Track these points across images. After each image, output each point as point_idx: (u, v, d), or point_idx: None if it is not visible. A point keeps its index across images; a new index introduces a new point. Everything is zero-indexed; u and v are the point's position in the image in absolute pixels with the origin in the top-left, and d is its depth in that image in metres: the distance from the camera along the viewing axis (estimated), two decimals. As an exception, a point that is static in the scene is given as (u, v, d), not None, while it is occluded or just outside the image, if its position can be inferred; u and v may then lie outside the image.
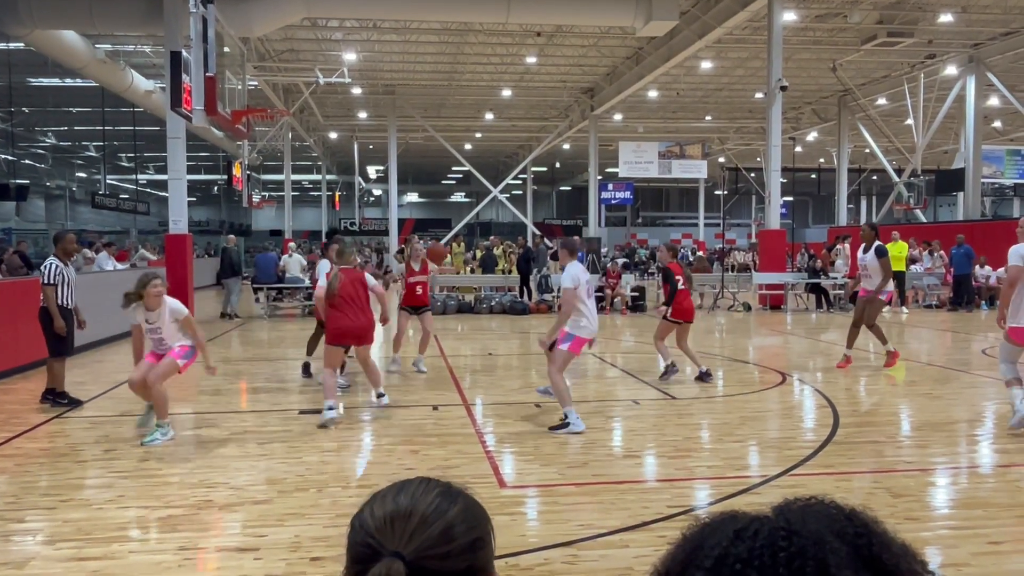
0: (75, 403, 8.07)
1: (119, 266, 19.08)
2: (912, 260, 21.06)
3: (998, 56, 23.03)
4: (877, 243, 10.04)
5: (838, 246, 21.27)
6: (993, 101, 26.83)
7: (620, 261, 25.96)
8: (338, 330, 7.32)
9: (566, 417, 6.82)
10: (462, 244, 26.96)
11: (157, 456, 6.09)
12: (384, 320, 8.34)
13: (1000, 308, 7.14)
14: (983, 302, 19.28)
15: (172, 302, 6.85)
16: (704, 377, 9.26)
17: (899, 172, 28.49)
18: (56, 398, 7.97)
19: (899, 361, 10.19)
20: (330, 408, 7.10)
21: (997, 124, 32.95)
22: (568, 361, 7.03)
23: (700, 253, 36.01)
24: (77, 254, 22.69)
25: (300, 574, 3.88)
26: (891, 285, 10.46)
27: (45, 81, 28.31)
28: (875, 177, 43.00)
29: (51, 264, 7.99)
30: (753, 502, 4.85)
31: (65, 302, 8.00)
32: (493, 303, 18.77)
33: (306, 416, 7.54)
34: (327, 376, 7.31)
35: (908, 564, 0.74)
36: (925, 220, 28.80)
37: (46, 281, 7.90)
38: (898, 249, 18.41)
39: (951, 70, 24.05)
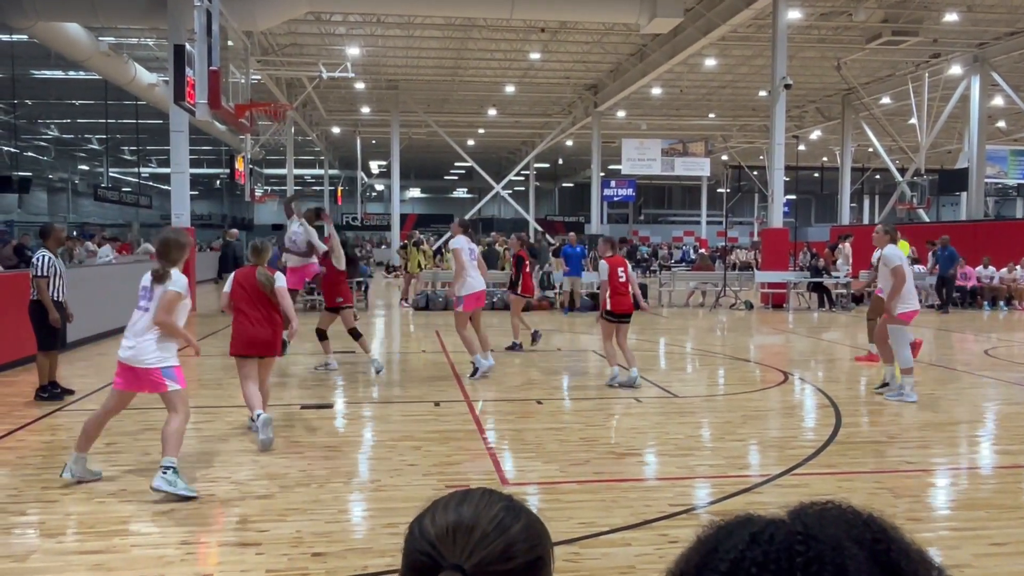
0: (67, 392, 8.07)
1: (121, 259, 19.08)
2: (914, 260, 21.02)
3: (1003, 56, 22.97)
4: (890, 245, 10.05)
5: (840, 245, 21.22)
6: (997, 101, 26.77)
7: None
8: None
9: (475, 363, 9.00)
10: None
11: (158, 450, 6.07)
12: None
13: (888, 301, 8.22)
14: (985, 303, 19.25)
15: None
16: (535, 337, 11.69)
17: (902, 171, 28.44)
18: (50, 389, 7.96)
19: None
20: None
21: (1001, 124, 32.89)
22: (466, 320, 9.28)
23: (702, 251, 35.97)
24: (79, 247, 22.72)
25: (301, 569, 3.88)
26: None
27: (48, 73, 28.30)
28: (878, 176, 42.94)
29: (43, 256, 7.92)
30: (755, 501, 4.85)
31: (57, 295, 7.97)
32: (495, 299, 18.76)
33: (308, 411, 7.54)
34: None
35: (926, 571, 0.74)
36: (928, 220, 28.75)
37: (38, 273, 7.84)
38: (900, 249, 18.36)
39: (956, 69, 24.00)
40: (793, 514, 0.78)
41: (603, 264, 8.91)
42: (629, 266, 9.33)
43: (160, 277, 5.14)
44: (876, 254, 9.99)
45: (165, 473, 4.83)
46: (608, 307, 8.84)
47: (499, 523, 0.92)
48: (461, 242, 9.35)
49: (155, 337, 5.09)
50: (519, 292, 12.26)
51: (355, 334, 9.38)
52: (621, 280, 8.88)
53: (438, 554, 0.90)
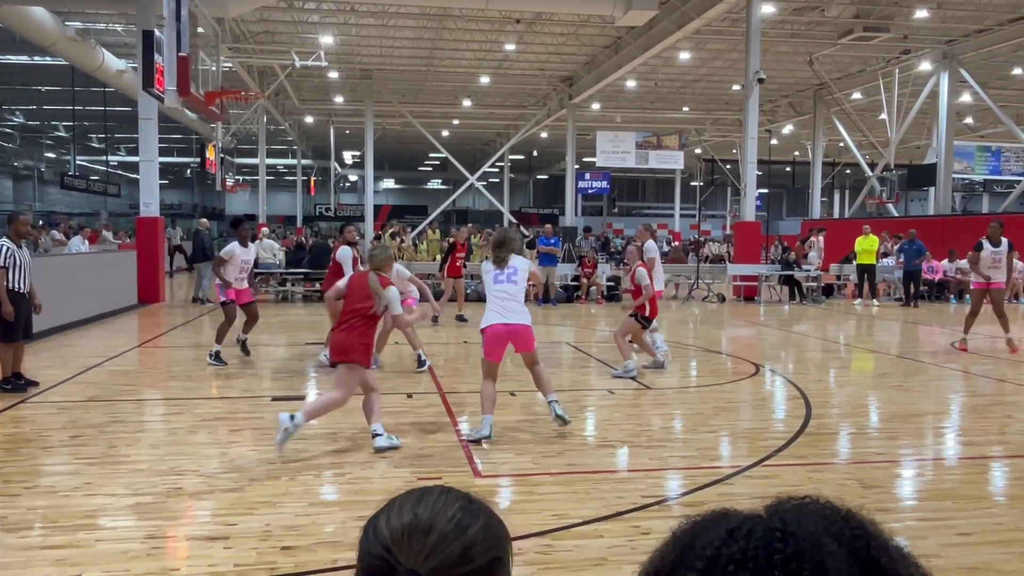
0: (31, 384, 7.90)
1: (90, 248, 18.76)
2: (884, 254, 21.29)
3: (971, 53, 23.29)
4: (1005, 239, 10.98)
5: (811, 239, 21.45)
6: (965, 97, 27.14)
7: (588, 242, 25.43)
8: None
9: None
10: (437, 231, 26.81)
11: (125, 442, 5.99)
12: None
13: (647, 294, 9.07)
14: (952, 296, 19.56)
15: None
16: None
17: (872, 166, 28.77)
18: (13, 380, 7.79)
19: (872, 355, 10.35)
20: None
21: (969, 120, 33.38)
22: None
23: (676, 243, 36.17)
24: (45, 236, 22.22)
25: (270, 563, 3.82)
26: (1001, 275, 11.25)
27: (13, 58, 27.67)
28: (848, 171, 43.39)
29: (2, 246, 7.69)
30: (727, 492, 4.87)
31: (17, 286, 7.74)
32: (468, 291, 18.70)
33: (278, 403, 7.45)
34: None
35: (906, 568, 0.72)
36: (897, 214, 29.14)
37: None
38: (868, 243, 18.60)
39: (925, 66, 24.30)
40: (771, 510, 0.75)
41: (642, 272, 9.21)
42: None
43: (502, 261, 6.40)
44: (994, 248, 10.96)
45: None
46: (647, 312, 9.19)
47: (457, 524, 0.89)
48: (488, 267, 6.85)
49: None
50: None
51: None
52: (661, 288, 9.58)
53: (393, 558, 0.86)
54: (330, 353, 6.23)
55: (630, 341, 9.28)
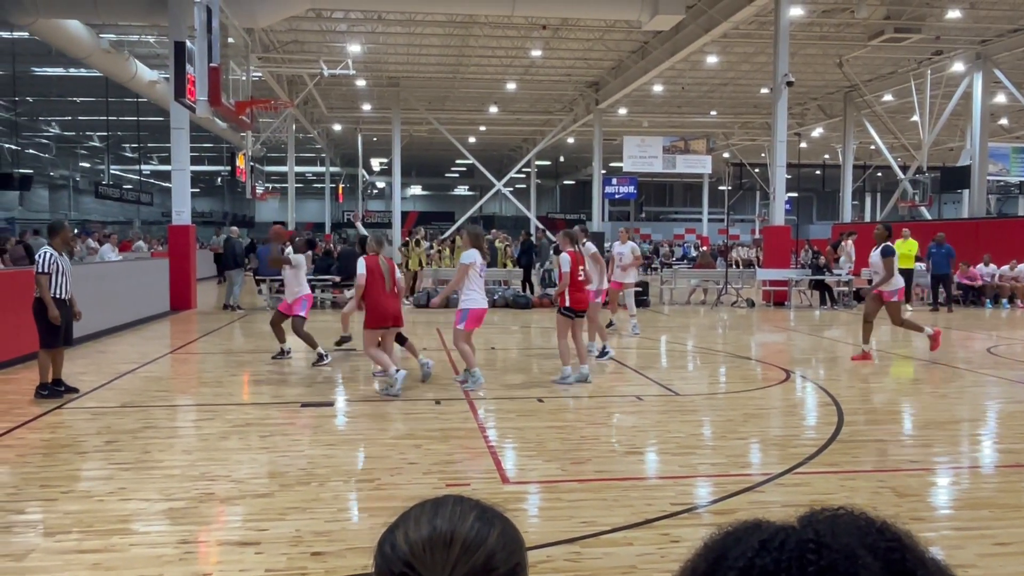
0: (71, 390, 8.06)
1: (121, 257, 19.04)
2: (918, 258, 20.97)
3: (1005, 53, 22.92)
4: (885, 243, 10.21)
5: (842, 243, 21.18)
6: (1000, 98, 26.69)
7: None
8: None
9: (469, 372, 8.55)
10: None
11: (158, 448, 6.08)
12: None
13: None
14: (987, 301, 19.21)
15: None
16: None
17: (904, 169, 28.39)
18: (53, 387, 7.95)
19: (906, 360, 10.21)
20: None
21: (1003, 121, 32.83)
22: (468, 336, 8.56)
23: (704, 248, 35.93)
24: (81, 244, 22.66)
25: (301, 569, 3.85)
26: (900, 283, 10.56)
27: (49, 70, 28.30)
28: (880, 174, 42.88)
29: (45, 253, 7.91)
30: (757, 500, 4.82)
31: (59, 292, 7.93)
32: (496, 297, 18.74)
33: (308, 408, 7.52)
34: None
35: (942, 581, 0.71)
36: (930, 217, 28.70)
37: (40, 270, 7.83)
38: (908, 247, 18.32)
39: (958, 67, 23.94)
40: (804, 521, 0.75)
41: (565, 256, 9.05)
42: (588, 263, 9.91)
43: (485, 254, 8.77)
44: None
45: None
46: (568, 303, 8.96)
47: (477, 533, 0.88)
48: (474, 256, 8.56)
49: None
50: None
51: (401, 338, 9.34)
52: (580, 278, 9.08)
53: (415, 573, 0.85)
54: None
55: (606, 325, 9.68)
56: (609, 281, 11.96)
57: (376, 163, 48.67)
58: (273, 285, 18.60)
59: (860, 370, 10.05)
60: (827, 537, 0.71)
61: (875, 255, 10.39)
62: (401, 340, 9.31)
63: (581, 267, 9.04)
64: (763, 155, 37.00)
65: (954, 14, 20.01)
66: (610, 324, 13.64)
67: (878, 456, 6.09)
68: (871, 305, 10.71)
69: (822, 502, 0.79)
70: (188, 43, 13.19)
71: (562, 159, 52.31)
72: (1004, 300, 19.14)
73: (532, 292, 19.53)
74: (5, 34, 21.34)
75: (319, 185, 52.56)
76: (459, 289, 8.52)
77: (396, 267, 8.66)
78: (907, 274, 18.35)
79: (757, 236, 37.75)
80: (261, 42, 22.54)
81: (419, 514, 0.91)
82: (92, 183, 42.32)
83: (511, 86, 29.28)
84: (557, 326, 9.04)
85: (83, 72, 26.64)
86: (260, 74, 23.90)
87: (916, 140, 26.76)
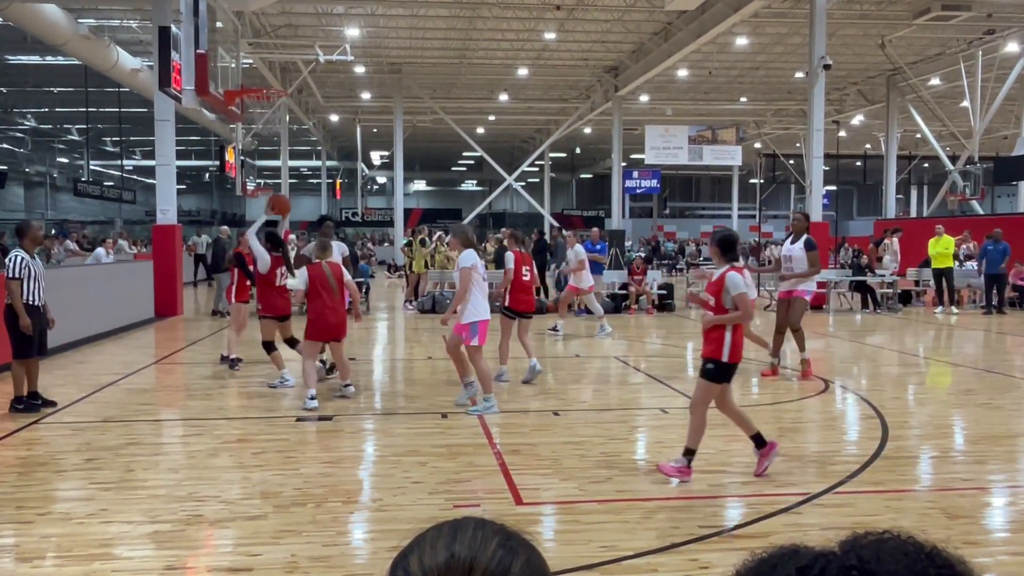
0: (48, 404, 8.10)
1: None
2: (967, 256, 20.83)
3: (1065, 31, 22.75)
4: (807, 236, 9.80)
5: (886, 240, 21.06)
6: (1059, 81, 26.49)
7: (640, 254, 25.76)
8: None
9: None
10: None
11: (142, 466, 6.11)
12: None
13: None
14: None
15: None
16: (232, 364, 10.42)
17: (954, 159, 28.20)
18: (28, 400, 7.98)
19: (956, 369, 10.11)
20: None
21: (1063, 107, 32.56)
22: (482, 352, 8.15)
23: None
24: (59, 246, 22.79)
25: (297, 597, 3.87)
26: (813, 284, 10.09)
27: (24, 58, 28.52)
28: (927, 165, 42.62)
29: (16, 256, 7.88)
30: (794, 523, 4.80)
31: (32, 298, 7.92)
32: (497, 303, 18.73)
33: (304, 424, 7.54)
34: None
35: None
36: (982, 212, 28.50)
37: (11, 275, 7.81)
38: (943, 245, 18.22)
39: (1012, 47, 23.77)
40: (846, 546, 0.74)
41: (510, 255, 9.46)
42: (534, 266, 10.41)
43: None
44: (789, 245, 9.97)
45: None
46: (507, 303, 9.51)
47: (499, 561, 0.86)
48: (473, 258, 8.08)
49: None
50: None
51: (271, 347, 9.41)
52: (526, 279, 9.54)
53: None
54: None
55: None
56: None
57: (376, 156, 48.80)
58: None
59: (906, 379, 9.99)
60: (872, 564, 0.71)
61: (796, 248, 9.75)
62: (292, 343, 9.48)
63: (526, 267, 9.52)
64: (798, 145, 36.85)
65: (1007, -11, 19.90)
66: (555, 328, 14.13)
67: (927, 474, 6.06)
68: (783, 310, 10.04)
69: (865, 525, 0.79)
70: (173, 28, 13.28)
71: (578, 151, 52.31)
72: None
73: (546, 296, 19.51)
74: (-23, 20, 21.54)
75: (315, 181, 52.79)
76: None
77: (344, 270, 8.80)
78: (945, 273, 18.27)
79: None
80: (252, 26, 22.66)
81: (436, 537, 0.89)
82: (71, 180, 42.64)
83: (523, 72, 29.30)
84: (501, 326, 9.52)
85: (60, 60, 26.84)
86: (251, 61, 24.02)
87: (966, 128, 26.57)
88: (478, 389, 8.11)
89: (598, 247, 18.19)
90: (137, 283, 16.09)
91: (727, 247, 5.92)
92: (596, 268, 17.96)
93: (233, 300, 10.63)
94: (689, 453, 5.67)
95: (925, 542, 0.75)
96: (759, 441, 5.78)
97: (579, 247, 14.55)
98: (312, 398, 8.01)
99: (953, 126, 28.19)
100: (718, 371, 5.67)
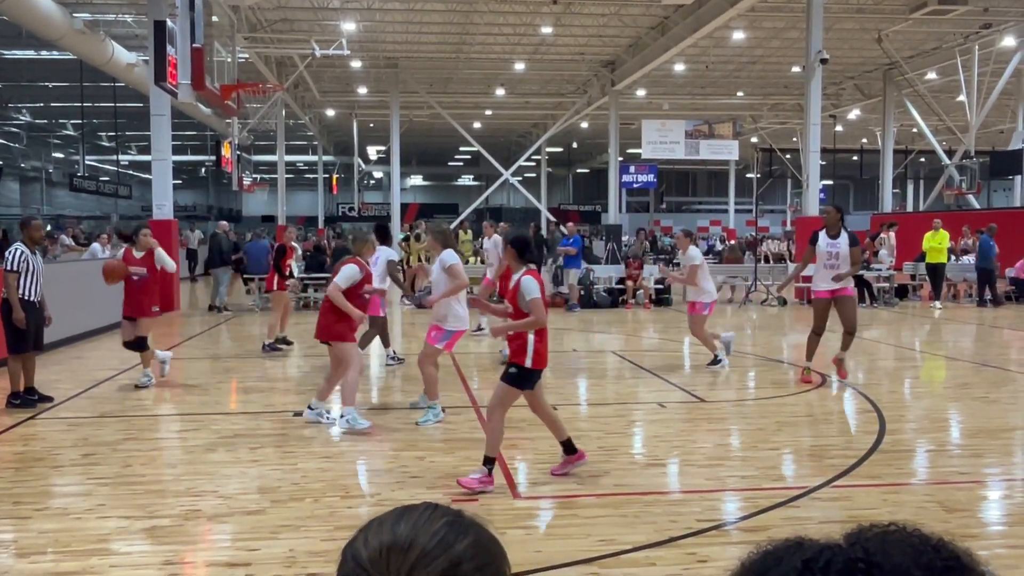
0: (45, 399, 8.08)
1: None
2: (964, 251, 20.86)
3: (1061, 26, 22.75)
4: (846, 230, 9.30)
5: (882, 235, 21.08)
6: (1055, 76, 26.52)
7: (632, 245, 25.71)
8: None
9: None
10: (469, 231, 26.93)
11: (140, 461, 6.10)
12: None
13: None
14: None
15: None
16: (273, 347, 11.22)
17: (950, 154, 28.22)
18: (25, 396, 7.97)
19: (952, 363, 10.11)
20: None
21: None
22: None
23: (731, 242, 35.84)
24: (57, 246, 22.74)
25: (295, 592, 3.87)
26: (851, 281, 9.50)
27: (19, 53, 28.40)
28: (923, 159, 42.67)
29: (16, 250, 7.89)
30: (792, 516, 4.81)
31: (29, 293, 7.91)
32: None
33: (301, 418, 7.53)
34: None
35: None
36: (978, 206, 28.54)
37: (9, 267, 7.81)
38: (939, 239, 18.24)
39: (1008, 41, 23.76)
40: (851, 538, 0.74)
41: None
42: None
43: None
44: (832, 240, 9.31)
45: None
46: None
47: (441, 540, 0.87)
48: (455, 256, 7.78)
49: None
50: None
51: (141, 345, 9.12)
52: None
53: None
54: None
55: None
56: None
57: (373, 151, 48.69)
58: (261, 285, 18.65)
59: (903, 373, 10.01)
60: (878, 556, 0.70)
61: (842, 244, 9.14)
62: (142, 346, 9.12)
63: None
64: (795, 140, 36.86)
65: (1004, -16, 19.89)
66: (479, 328, 12.92)
67: (924, 467, 6.07)
68: (822, 309, 9.52)
69: (864, 517, 0.78)
70: (169, 22, 13.23)
71: (575, 146, 52.24)
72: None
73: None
74: (-29, 14, 21.44)
75: (311, 176, 52.69)
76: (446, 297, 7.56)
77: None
78: (938, 269, 18.30)
79: (789, 228, 37.62)
80: (248, 21, 22.58)
81: (384, 519, 0.91)
82: (66, 175, 42.47)
83: (519, 66, 29.24)
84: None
85: (55, 55, 26.73)
86: (247, 55, 23.94)
87: (963, 122, 26.58)
88: (438, 411, 7.57)
89: (571, 241, 18.38)
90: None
91: (522, 249, 5.75)
92: (571, 261, 18.12)
93: (275, 288, 11.88)
94: (489, 462, 5.42)
95: (931, 534, 0.74)
96: (568, 448, 5.69)
97: (497, 236, 12.95)
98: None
99: (949, 120, 28.21)
100: (521, 376, 5.53)
